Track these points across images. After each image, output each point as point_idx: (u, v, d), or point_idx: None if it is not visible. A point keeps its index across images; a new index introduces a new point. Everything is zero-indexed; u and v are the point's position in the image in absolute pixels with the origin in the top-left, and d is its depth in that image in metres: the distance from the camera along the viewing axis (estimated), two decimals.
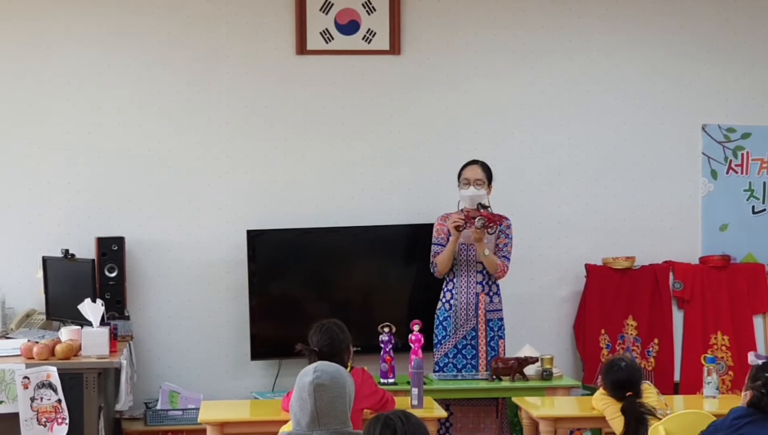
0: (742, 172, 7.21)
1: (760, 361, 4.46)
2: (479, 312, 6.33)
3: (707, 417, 4.79)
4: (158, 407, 6.48)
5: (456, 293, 6.35)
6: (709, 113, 7.19)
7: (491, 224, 6.22)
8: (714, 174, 7.20)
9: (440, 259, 6.33)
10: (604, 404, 5.22)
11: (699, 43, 7.17)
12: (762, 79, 7.21)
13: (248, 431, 5.34)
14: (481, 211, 6.26)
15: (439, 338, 6.37)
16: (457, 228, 6.21)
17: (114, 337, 6.05)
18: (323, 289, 6.78)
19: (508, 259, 6.36)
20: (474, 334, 6.34)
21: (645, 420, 5.00)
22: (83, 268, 6.32)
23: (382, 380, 5.98)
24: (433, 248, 6.40)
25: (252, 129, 6.87)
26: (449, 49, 7.00)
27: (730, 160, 7.20)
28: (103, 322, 5.96)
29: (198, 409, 5.63)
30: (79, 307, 5.92)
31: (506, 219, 6.40)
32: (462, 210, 6.37)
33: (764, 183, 7.22)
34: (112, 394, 6.13)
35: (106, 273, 6.48)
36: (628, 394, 5.10)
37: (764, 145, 7.21)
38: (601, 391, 5.30)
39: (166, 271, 6.78)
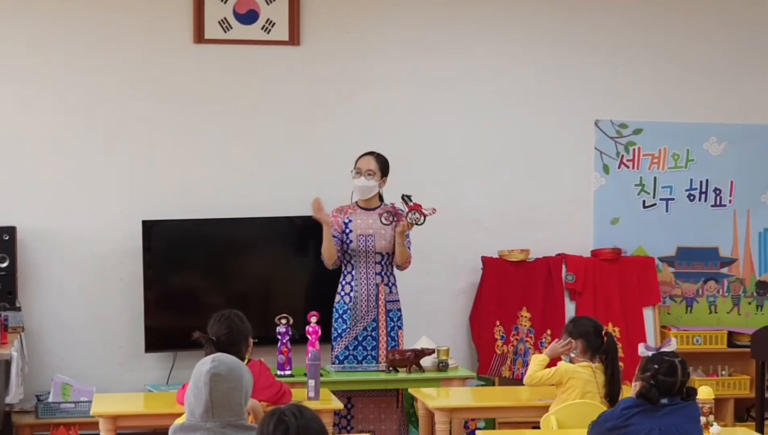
0: (633, 167, 7.36)
1: (649, 353, 4.55)
2: (379, 303, 6.36)
3: (598, 407, 4.88)
4: (50, 400, 6.38)
5: (356, 285, 6.37)
6: (601, 109, 7.31)
7: (423, 217, 6.25)
8: (606, 168, 7.33)
9: (323, 251, 6.33)
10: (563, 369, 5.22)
11: (592, 39, 7.29)
12: (653, 75, 7.36)
13: (142, 424, 5.31)
14: (408, 203, 6.27)
15: (339, 332, 6.38)
16: (385, 222, 6.22)
17: (4, 328, 5.94)
18: (220, 281, 6.73)
19: (410, 250, 6.42)
20: (374, 325, 6.36)
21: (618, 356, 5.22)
22: None
23: (279, 372, 5.97)
24: None
25: (148, 118, 6.79)
26: (348, 40, 7.00)
27: (622, 155, 7.34)
28: None
29: (91, 401, 5.55)
30: None
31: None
32: (357, 202, 6.38)
33: (655, 178, 7.37)
34: (2, 387, 6.00)
35: None
36: (604, 332, 5.20)
37: (655, 141, 7.36)
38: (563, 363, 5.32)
39: (58, 261, 6.67)
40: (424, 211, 6.22)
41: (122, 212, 6.72)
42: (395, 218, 6.25)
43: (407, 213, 6.21)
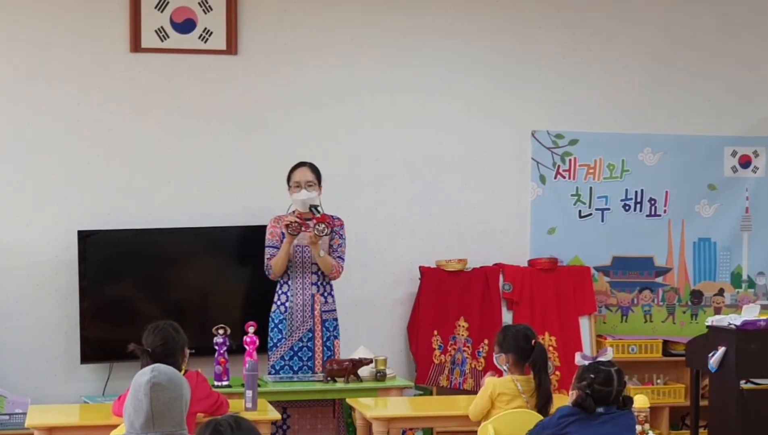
0: (569, 178, 7.42)
1: (586, 362, 4.60)
2: (315, 313, 6.35)
3: (535, 416, 4.91)
4: None
5: (291, 295, 6.35)
6: (538, 119, 7.37)
7: (329, 229, 6.24)
8: (543, 179, 7.39)
9: (275, 262, 6.32)
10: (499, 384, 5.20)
11: (529, 50, 7.35)
12: (589, 86, 7.44)
13: None
14: (315, 215, 6.27)
15: (275, 341, 6.36)
16: (292, 232, 6.19)
17: None
18: (156, 291, 6.68)
19: (343, 260, 6.40)
20: (310, 335, 6.35)
21: (547, 365, 5.16)
22: None
23: (216, 383, 5.94)
24: (267, 251, 6.38)
25: (85, 127, 6.73)
26: (286, 50, 7.00)
27: (558, 166, 7.40)
28: None
29: (25, 413, 5.49)
30: None
31: (339, 220, 6.44)
32: (294, 212, 6.38)
33: (590, 188, 7.45)
34: None
35: None
36: (534, 341, 5.16)
37: (591, 151, 7.44)
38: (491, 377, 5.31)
39: None
40: (324, 218, 6.22)
41: (57, 222, 6.64)
42: (301, 228, 6.22)
43: (314, 224, 6.21)
